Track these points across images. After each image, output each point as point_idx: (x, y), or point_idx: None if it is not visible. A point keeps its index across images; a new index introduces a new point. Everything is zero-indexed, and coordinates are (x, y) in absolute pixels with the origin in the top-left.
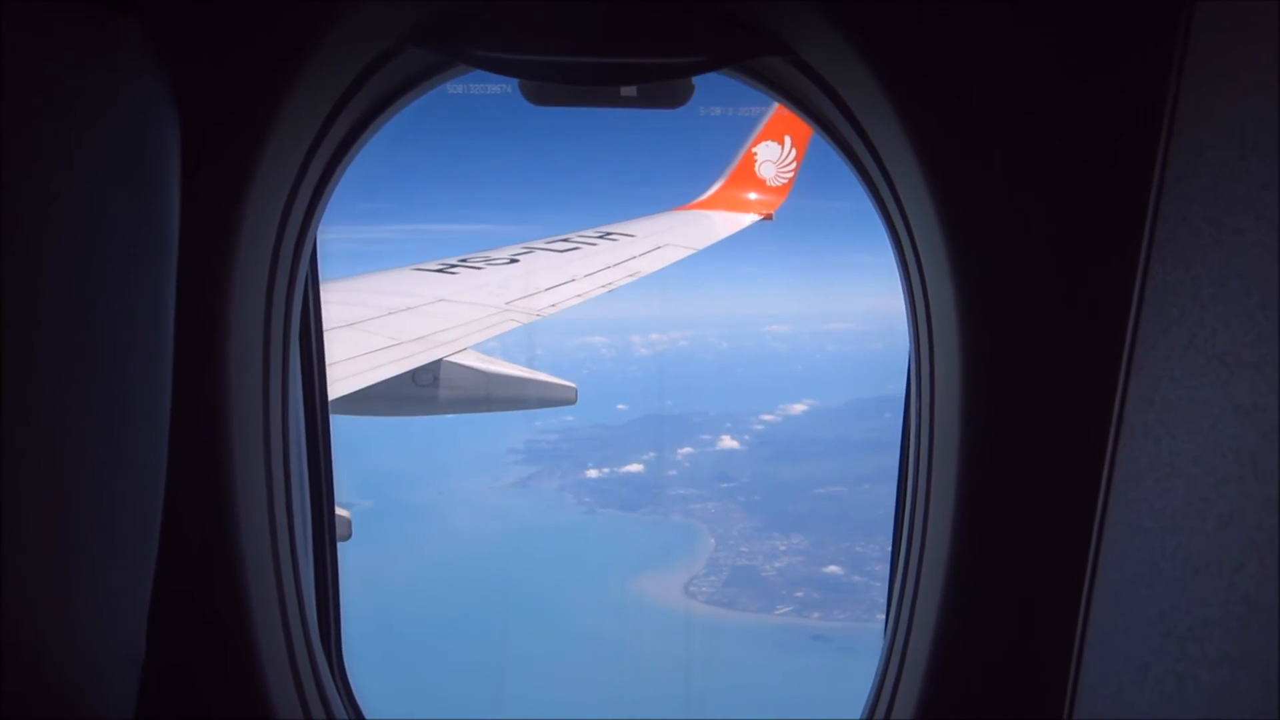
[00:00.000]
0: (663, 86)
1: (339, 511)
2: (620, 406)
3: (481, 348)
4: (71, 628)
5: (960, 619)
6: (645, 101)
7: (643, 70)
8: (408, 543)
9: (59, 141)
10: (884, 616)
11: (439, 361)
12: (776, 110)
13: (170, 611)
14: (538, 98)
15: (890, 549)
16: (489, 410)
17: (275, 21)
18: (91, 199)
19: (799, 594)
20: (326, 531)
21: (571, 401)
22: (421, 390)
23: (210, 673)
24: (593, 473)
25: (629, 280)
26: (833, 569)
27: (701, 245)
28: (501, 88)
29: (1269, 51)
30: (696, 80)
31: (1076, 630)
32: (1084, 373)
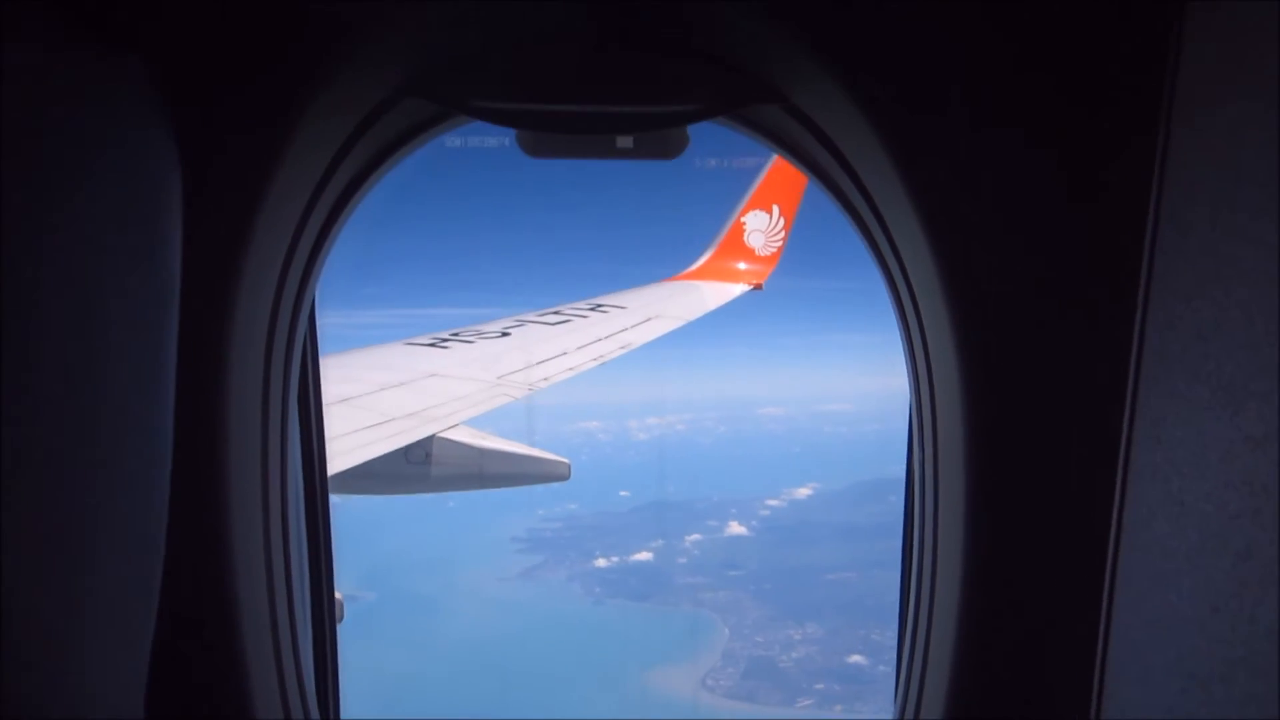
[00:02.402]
0: (658, 137)
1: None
2: (623, 494)
3: (475, 423)
4: (65, 694)
5: (972, 677)
6: (641, 152)
7: (639, 119)
8: (415, 637)
9: (59, 179)
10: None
11: (431, 438)
12: (764, 180)
13: (167, 677)
14: (535, 150)
15: (901, 555)
16: (482, 487)
17: (277, 68)
18: (92, 240)
19: (819, 686)
20: (325, 595)
21: (565, 477)
22: (414, 468)
23: (198, 683)
24: (601, 562)
25: (621, 352)
26: (851, 659)
27: (692, 316)
28: (500, 140)
29: (1260, 81)
30: (692, 134)
31: (1094, 683)
32: (1088, 414)
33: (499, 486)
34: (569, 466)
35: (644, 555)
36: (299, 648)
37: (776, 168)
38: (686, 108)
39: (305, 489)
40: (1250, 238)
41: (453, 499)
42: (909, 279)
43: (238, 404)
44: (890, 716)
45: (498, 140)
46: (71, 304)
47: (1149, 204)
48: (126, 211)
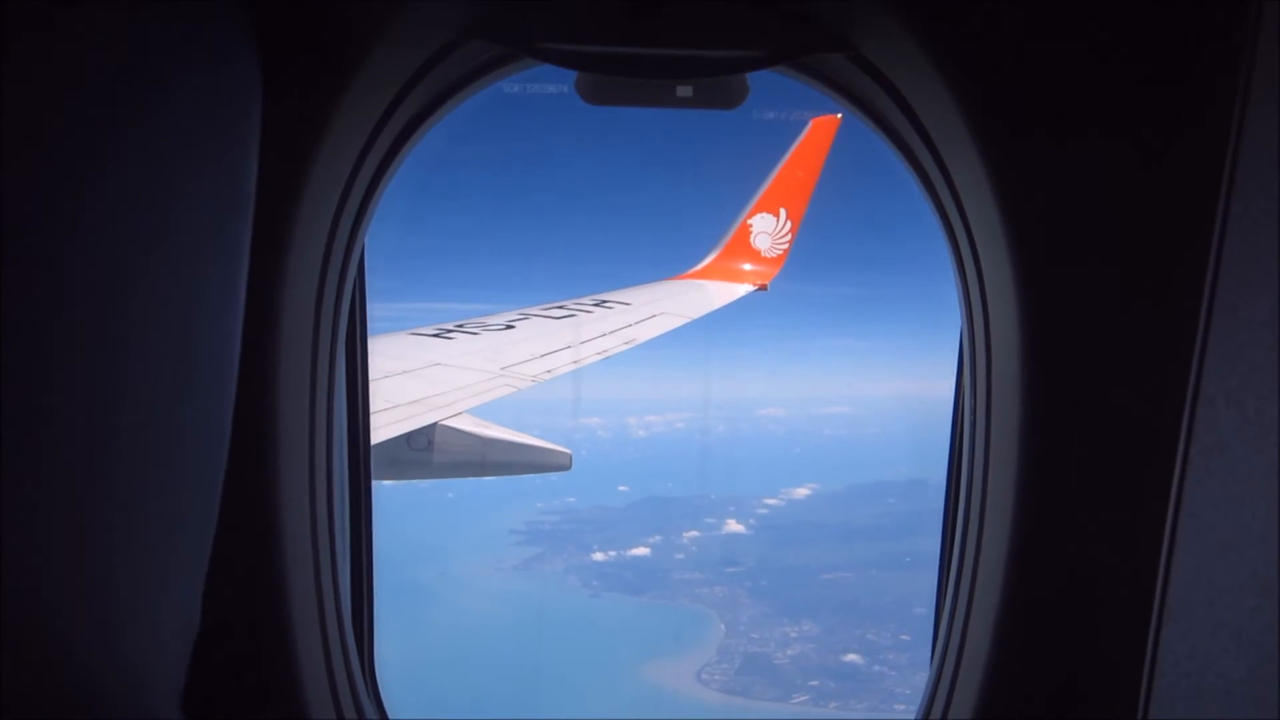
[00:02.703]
0: (719, 85)
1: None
2: (621, 488)
3: (477, 412)
4: (113, 653)
5: (1022, 623)
6: (701, 101)
7: (703, 64)
8: (412, 626)
9: (150, 80)
10: (935, 625)
11: (434, 425)
12: (773, 183)
13: (213, 607)
14: (594, 96)
15: (940, 548)
16: (484, 475)
17: (344, 8)
18: (179, 140)
19: (814, 683)
20: (364, 525)
21: (566, 468)
22: (416, 454)
23: (251, 679)
24: (599, 556)
25: (624, 348)
26: (846, 658)
27: (697, 314)
28: (559, 87)
29: None
30: (752, 85)
31: (1142, 680)
32: (1148, 391)
33: (500, 474)
34: (570, 457)
35: (642, 550)
36: (338, 572)
37: (786, 170)
38: (750, 53)
39: (349, 424)
40: None
41: (451, 489)
42: (971, 233)
43: (289, 341)
44: (918, 707)
45: (556, 87)
46: (156, 198)
47: (1220, 182)
48: (211, 116)
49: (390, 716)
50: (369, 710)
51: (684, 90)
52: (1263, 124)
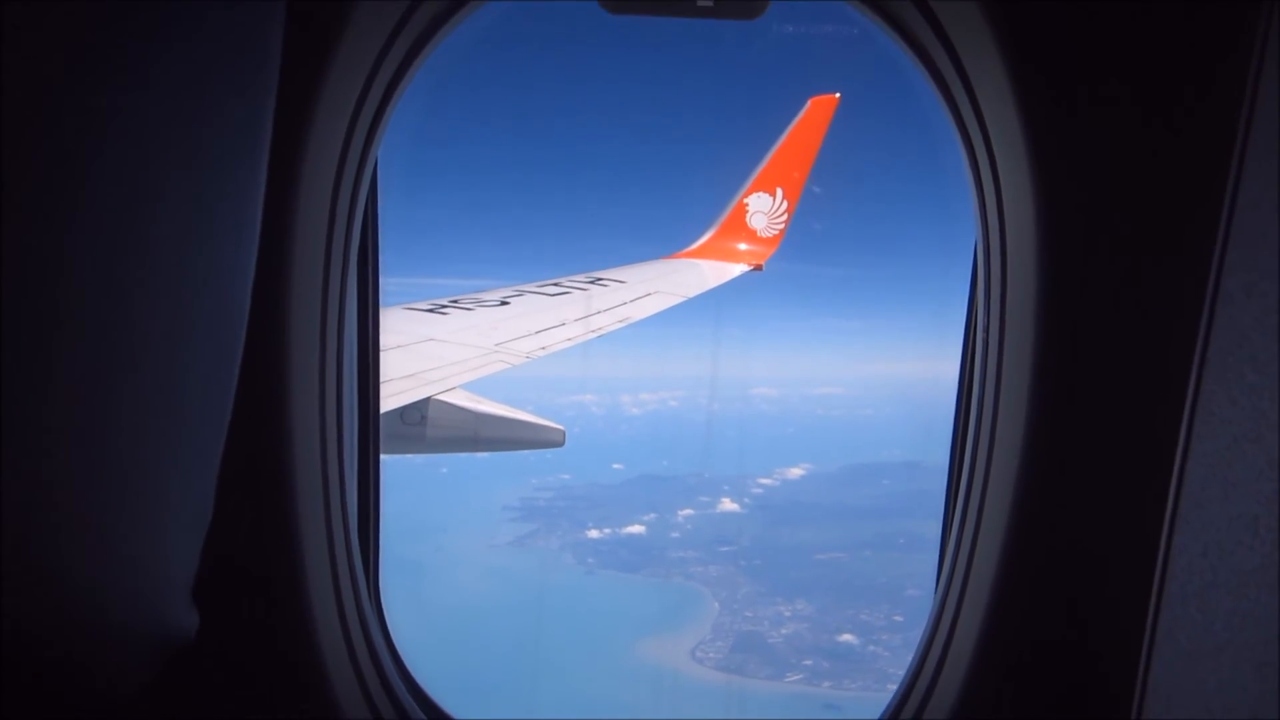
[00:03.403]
0: None
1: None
2: (616, 466)
3: (471, 388)
4: (124, 566)
5: (1018, 587)
6: (722, 11)
7: None
8: (407, 600)
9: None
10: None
11: (428, 400)
12: (770, 162)
13: (226, 573)
14: (615, 4)
15: (940, 536)
16: (477, 450)
17: None
18: (199, 60)
19: (808, 662)
20: (372, 451)
21: (559, 444)
22: (410, 428)
23: (266, 636)
24: (594, 533)
25: (619, 326)
26: (841, 638)
27: (691, 293)
28: None
29: None
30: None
31: (1148, 614)
32: (1158, 354)
33: (494, 450)
34: (564, 433)
35: (636, 528)
36: (347, 504)
37: (783, 150)
38: None
39: (359, 361)
40: None
41: (445, 464)
42: (992, 152)
43: (302, 268)
44: (920, 639)
45: None
46: (178, 120)
47: (1234, 143)
48: (226, 57)
49: (403, 658)
50: (381, 649)
51: (705, 0)
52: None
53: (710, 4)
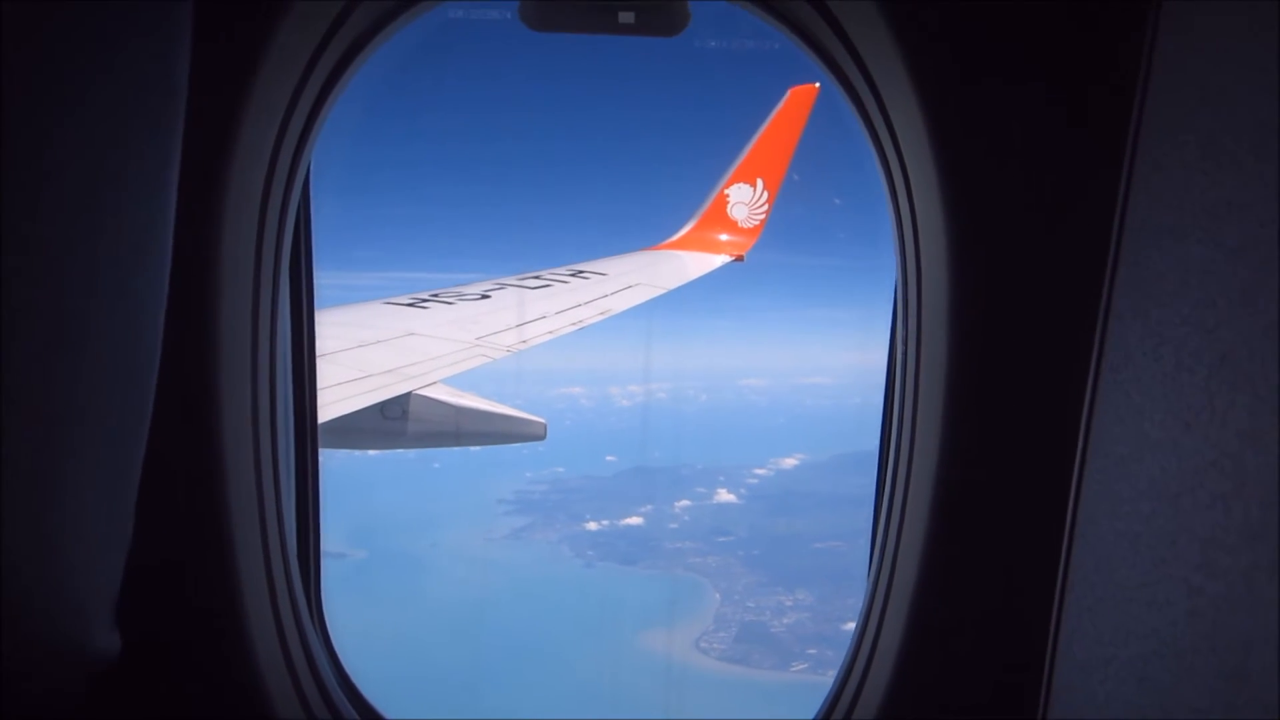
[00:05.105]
0: (661, 11)
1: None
2: (609, 458)
3: (452, 382)
4: (42, 561)
5: (939, 586)
6: (643, 28)
7: None
8: (407, 596)
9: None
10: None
11: (409, 395)
12: (750, 153)
13: (155, 567)
14: (538, 22)
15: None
16: (459, 444)
17: None
18: (100, 62)
19: (812, 651)
20: (310, 467)
21: (541, 437)
22: (390, 423)
23: (198, 633)
24: (591, 525)
25: (600, 318)
26: (843, 626)
27: (673, 285)
28: (501, 14)
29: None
30: (694, 14)
31: (1055, 593)
32: (1063, 333)
33: (476, 444)
34: (545, 426)
35: (634, 520)
36: (282, 508)
37: (763, 141)
38: None
39: (293, 359)
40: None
41: (438, 459)
42: (904, 165)
43: (229, 271)
44: (849, 643)
45: (500, 13)
46: (77, 122)
47: (1128, 130)
48: (141, 54)
49: (340, 659)
50: (316, 649)
51: (626, 16)
52: (1167, 69)
53: (631, 22)
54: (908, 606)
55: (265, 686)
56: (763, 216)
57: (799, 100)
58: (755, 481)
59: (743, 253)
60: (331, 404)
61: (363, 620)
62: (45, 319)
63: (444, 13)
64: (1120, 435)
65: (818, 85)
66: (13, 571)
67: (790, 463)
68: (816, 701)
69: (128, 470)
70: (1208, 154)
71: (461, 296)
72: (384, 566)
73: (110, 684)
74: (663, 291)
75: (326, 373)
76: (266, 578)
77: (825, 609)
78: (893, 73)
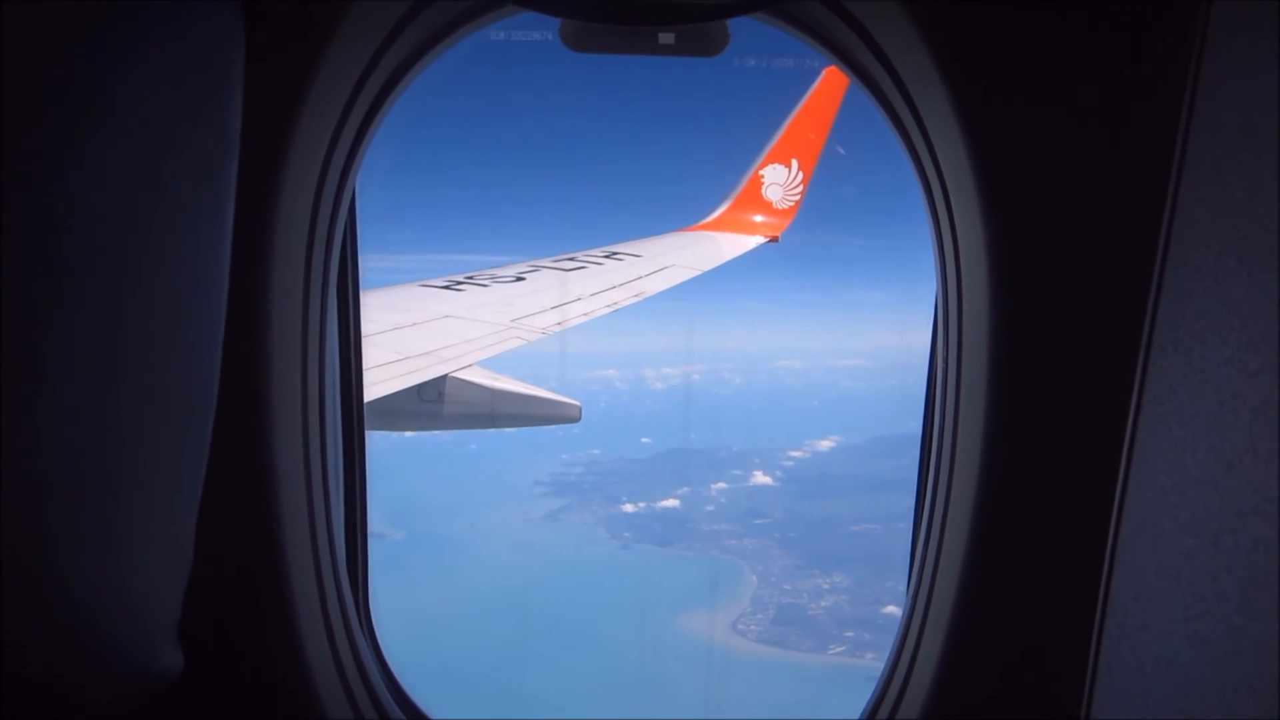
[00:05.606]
0: (700, 32)
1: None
2: (644, 440)
3: (487, 364)
4: (107, 585)
5: (978, 604)
6: (683, 49)
7: (684, 10)
8: (446, 576)
9: (125, 34)
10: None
11: (444, 377)
12: (784, 133)
13: (208, 550)
14: (578, 43)
15: (910, 545)
16: (494, 426)
17: None
18: (156, 93)
19: (849, 634)
20: (357, 472)
21: (575, 419)
22: (427, 405)
23: (251, 640)
24: (628, 507)
25: (635, 300)
26: (881, 609)
27: (708, 266)
28: (543, 34)
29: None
30: (734, 34)
31: (1095, 617)
32: (1105, 344)
33: (511, 426)
34: (579, 409)
35: (670, 502)
36: (332, 519)
37: (797, 121)
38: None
39: (341, 373)
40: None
41: (473, 441)
42: (945, 187)
43: (280, 292)
44: (892, 643)
45: (541, 34)
46: (132, 155)
47: (1176, 135)
48: (190, 68)
49: (387, 660)
50: (364, 651)
51: (666, 37)
52: (1217, 77)
53: (672, 42)
54: (946, 624)
55: (315, 690)
56: (797, 197)
57: (834, 80)
58: (791, 464)
59: (777, 234)
60: (369, 386)
61: (402, 600)
62: (108, 352)
63: (485, 35)
64: (1163, 467)
65: None
66: (83, 596)
67: (826, 445)
68: (855, 684)
69: (189, 497)
70: (1253, 197)
71: (496, 279)
72: (422, 547)
73: (164, 689)
74: (697, 273)
75: (364, 355)
76: (317, 583)
77: (863, 592)
78: (933, 96)
